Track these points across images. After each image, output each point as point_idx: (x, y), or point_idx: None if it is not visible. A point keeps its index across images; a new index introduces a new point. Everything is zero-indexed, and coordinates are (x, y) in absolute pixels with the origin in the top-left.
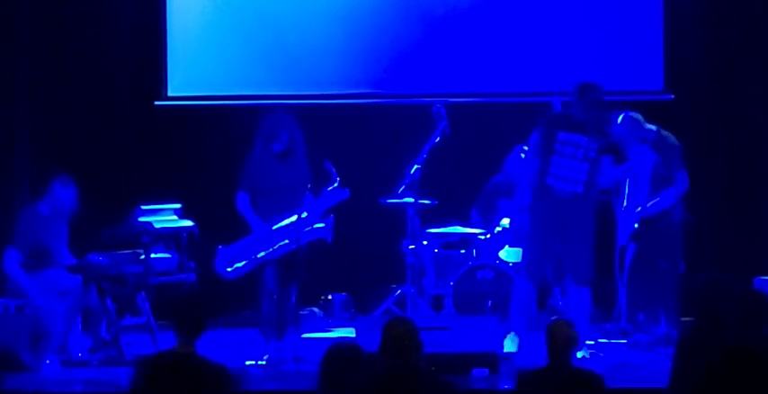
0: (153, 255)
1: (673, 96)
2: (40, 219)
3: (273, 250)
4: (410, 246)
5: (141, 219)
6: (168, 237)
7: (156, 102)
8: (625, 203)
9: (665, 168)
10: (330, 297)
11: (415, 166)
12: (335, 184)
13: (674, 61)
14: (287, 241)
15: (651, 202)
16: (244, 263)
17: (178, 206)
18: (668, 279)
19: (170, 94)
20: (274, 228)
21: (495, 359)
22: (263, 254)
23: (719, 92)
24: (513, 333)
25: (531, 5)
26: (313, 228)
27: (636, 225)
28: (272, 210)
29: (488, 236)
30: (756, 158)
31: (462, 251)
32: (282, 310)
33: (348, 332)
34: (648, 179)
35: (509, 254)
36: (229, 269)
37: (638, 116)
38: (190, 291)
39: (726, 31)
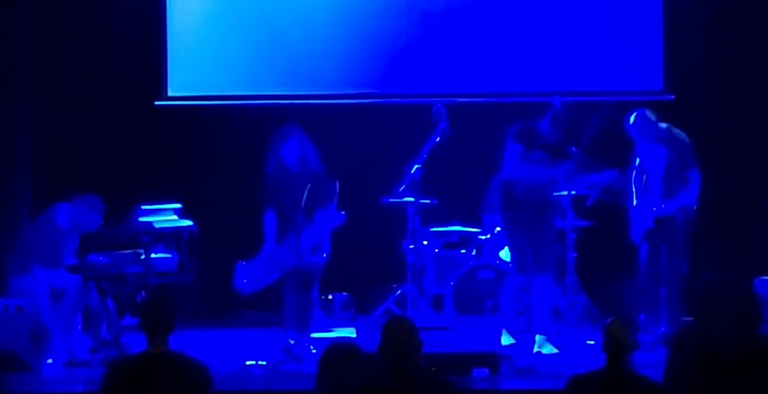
0: (153, 255)
1: (673, 96)
2: (56, 231)
3: (280, 272)
4: (410, 246)
5: (141, 219)
6: (168, 237)
7: (156, 103)
8: (635, 202)
9: (677, 166)
10: (330, 297)
11: (415, 166)
12: (333, 205)
13: (674, 61)
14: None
15: (666, 203)
16: (257, 282)
17: (178, 206)
18: (671, 279)
19: (170, 94)
20: (283, 249)
21: (495, 359)
22: (270, 276)
23: (719, 92)
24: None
25: (532, 5)
26: (314, 252)
27: (650, 224)
28: (287, 223)
29: (488, 236)
30: (756, 158)
31: (462, 251)
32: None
33: (348, 332)
34: (661, 178)
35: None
36: (246, 285)
37: (651, 114)
38: (156, 290)
39: (726, 31)
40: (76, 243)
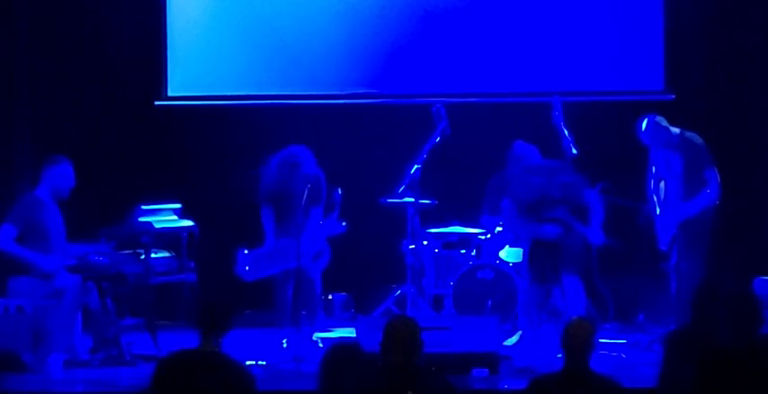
0: (153, 255)
1: (673, 96)
2: (38, 202)
3: (281, 266)
4: (410, 246)
5: (141, 219)
6: (168, 237)
7: (156, 102)
8: (658, 210)
9: (694, 169)
10: (330, 297)
11: (415, 166)
12: (336, 214)
13: (674, 61)
14: (292, 261)
15: (687, 205)
16: (258, 271)
17: (178, 206)
18: (689, 279)
19: (170, 94)
20: (284, 244)
21: (495, 359)
22: (271, 269)
23: (719, 92)
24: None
25: (532, 5)
26: (316, 258)
27: (674, 229)
28: (285, 222)
29: (488, 236)
30: (757, 158)
31: (462, 251)
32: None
33: (348, 332)
34: (680, 182)
35: (509, 254)
36: (248, 272)
37: (661, 119)
38: (212, 292)
39: (726, 31)
40: (62, 222)
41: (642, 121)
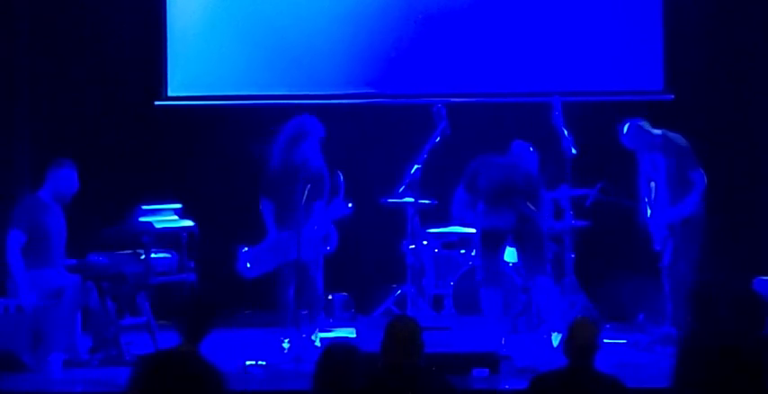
0: (153, 255)
1: (673, 96)
2: (40, 203)
3: (282, 259)
4: (410, 246)
5: (141, 219)
6: (168, 237)
7: (156, 102)
8: (649, 212)
9: (679, 171)
10: (330, 297)
11: (415, 166)
12: (340, 196)
13: (674, 61)
14: (293, 254)
15: (676, 208)
16: (259, 266)
17: (178, 206)
18: (683, 280)
19: (170, 94)
20: (285, 237)
21: (495, 359)
22: (272, 264)
23: (719, 92)
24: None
25: (532, 5)
26: (318, 243)
27: (666, 231)
28: (285, 215)
29: None
30: (756, 158)
31: (462, 251)
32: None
33: (348, 332)
34: (665, 184)
35: (509, 254)
36: (249, 269)
37: (644, 123)
38: (196, 291)
39: (726, 31)
40: (65, 223)
41: (624, 126)
